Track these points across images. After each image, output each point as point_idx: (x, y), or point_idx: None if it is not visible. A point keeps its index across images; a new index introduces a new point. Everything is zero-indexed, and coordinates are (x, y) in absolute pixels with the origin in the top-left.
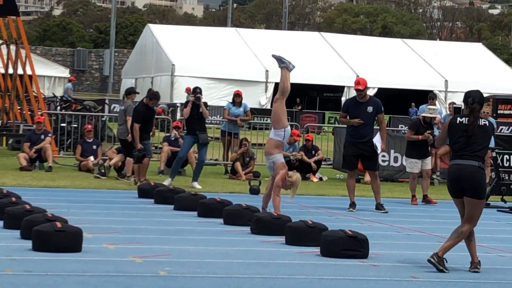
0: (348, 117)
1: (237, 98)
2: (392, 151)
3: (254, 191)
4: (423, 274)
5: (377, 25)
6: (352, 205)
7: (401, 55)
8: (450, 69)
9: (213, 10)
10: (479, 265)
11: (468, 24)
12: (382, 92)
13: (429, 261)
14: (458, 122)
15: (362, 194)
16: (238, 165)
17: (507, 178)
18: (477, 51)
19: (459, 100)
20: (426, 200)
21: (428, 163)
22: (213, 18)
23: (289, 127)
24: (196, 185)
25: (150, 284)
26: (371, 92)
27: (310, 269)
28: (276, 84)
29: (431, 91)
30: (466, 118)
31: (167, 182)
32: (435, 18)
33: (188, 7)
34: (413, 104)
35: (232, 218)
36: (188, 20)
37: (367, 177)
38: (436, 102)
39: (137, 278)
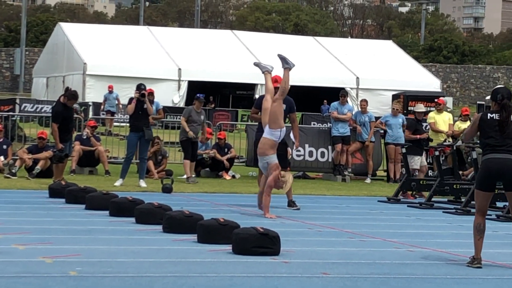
0: (259, 114)
1: (149, 97)
2: (306, 145)
3: (167, 189)
4: (334, 270)
5: (290, 23)
6: None
7: (313, 53)
8: (362, 66)
9: (125, 8)
10: (481, 261)
11: (379, 22)
12: (295, 89)
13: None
14: (489, 118)
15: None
16: (150, 163)
17: (417, 174)
18: (388, 48)
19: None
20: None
21: (423, 160)
22: (125, 17)
23: (284, 128)
24: (143, 183)
25: (60, 284)
26: None
27: (222, 266)
28: (190, 82)
29: (343, 89)
30: (497, 114)
31: (118, 182)
32: (346, 16)
33: (100, 5)
34: (325, 101)
35: (144, 217)
36: (99, 18)
37: None
38: (348, 99)
39: (47, 279)
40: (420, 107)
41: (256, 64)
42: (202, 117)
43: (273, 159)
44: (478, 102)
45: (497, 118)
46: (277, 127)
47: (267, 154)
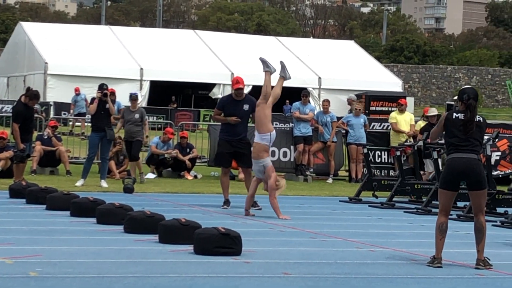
0: (222, 115)
1: (111, 97)
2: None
3: (128, 189)
4: (295, 270)
5: (252, 23)
6: (227, 202)
7: (275, 53)
8: (324, 66)
9: (87, 8)
10: (441, 261)
11: (341, 22)
12: (257, 90)
13: (477, 269)
14: (454, 117)
15: (236, 192)
16: (112, 163)
17: (378, 173)
18: (350, 48)
19: (331, 97)
20: None
21: None
22: (87, 16)
23: (274, 131)
24: (104, 183)
25: (21, 285)
26: (245, 90)
27: (183, 267)
28: (152, 82)
29: (305, 89)
30: (463, 114)
31: (79, 183)
32: (308, 16)
33: (61, 4)
34: (287, 101)
35: (105, 217)
36: (60, 17)
37: (241, 175)
38: (310, 99)
39: (7, 280)
40: (433, 111)
41: (262, 61)
42: (137, 115)
43: (268, 162)
44: (447, 102)
45: (462, 118)
46: (266, 131)
47: (262, 157)
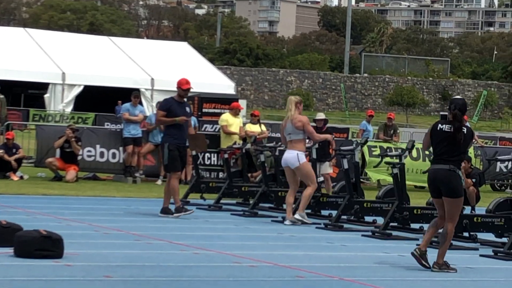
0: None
1: None
2: (98, 146)
3: None
4: (117, 273)
5: (85, 22)
6: (183, 208)
7: (108, 52)
8: (156, 67)
9: None
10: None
11: (175, 23)
12: (89, 90)
13: (432, 271)
14: (438, 128)
15: (63, 193)
16: None
17: (208, 175)
18: (183, 50)
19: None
20: None
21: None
22: None
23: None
24: None
25: None
26: (77, 90)
27: (2, 270)
28: None
29: (136, 90)
30: (447, 126)
31: None
32: (142, 17)
33: None
34: (119, 101)
35: None
36: None
37: (68, 176)
38: (143, 101)
39: None
40: (320, 115)
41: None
42: None
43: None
44: (441, 113)
45: (445, 129)
46: None
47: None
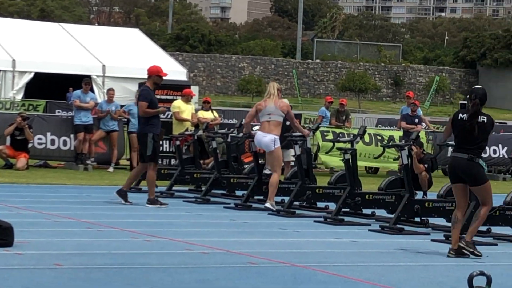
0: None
1: None
2: (48, 133)
3: None
4: (67, 261)
5: (36, 9)
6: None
7: (59, 39)
8: (108, 54)
9: None
10: (455, 252)
11: (126, 9)
12: (39, 77)
13: (459, 247)
14: (459, 118)
15: (13, 181)
16: None
17: (160, 162)
18: (135, 36)
19: (115, 85)
20: None
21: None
22: None
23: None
24: None
25: None
26: (28, 77)
27: None
28: None
29: (87, 77)
30: (466, 114)
31: None
32: (93, 3)
33: None
34: (70, 89)
35: None
36: None
37: (19, 164)
38: (94, 87)
39: None
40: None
41: None
42: None
43: None
44: (460, 102)
45: (464, 118)
46: None
47: None
